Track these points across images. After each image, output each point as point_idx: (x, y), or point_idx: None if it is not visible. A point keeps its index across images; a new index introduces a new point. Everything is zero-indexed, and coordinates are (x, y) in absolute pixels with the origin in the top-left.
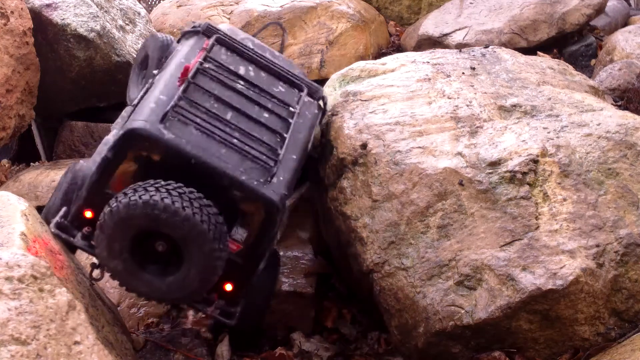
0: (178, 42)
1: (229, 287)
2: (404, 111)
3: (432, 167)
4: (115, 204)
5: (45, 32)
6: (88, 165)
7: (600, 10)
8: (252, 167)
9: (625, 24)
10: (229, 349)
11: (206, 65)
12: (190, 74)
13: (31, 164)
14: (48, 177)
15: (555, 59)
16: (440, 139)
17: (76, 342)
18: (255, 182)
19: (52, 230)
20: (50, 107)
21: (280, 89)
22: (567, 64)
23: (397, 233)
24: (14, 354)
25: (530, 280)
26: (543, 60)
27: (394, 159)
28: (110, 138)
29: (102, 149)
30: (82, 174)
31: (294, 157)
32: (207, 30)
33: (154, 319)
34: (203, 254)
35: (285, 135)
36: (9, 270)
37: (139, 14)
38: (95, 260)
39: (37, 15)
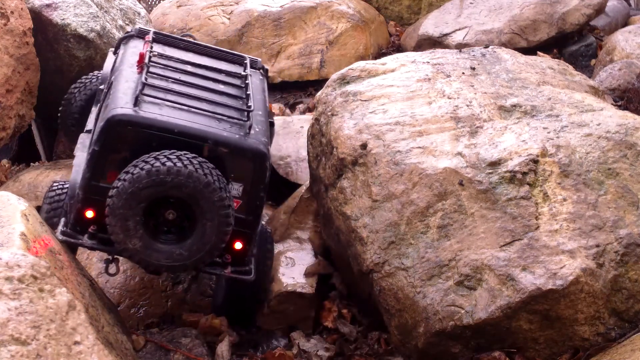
0: (115, 52)
1: (238, 245)
2: (404, 111)
3: (432, 167)
4: (120, 183)
5: (45, 32)
6: (73, 175)
7: (600, 10)
8: (230, 125)
9: (625, 24)
10: (229, 349)
11: (155, 53)
12: (146, 59)
13: (31, 164)
14: (48, 177)
15: (555, 59)
16: (440, 139)
17: (76, 342)
18: (237, 136)
19: (60, 238)
20: (50, 107)
21: (224, 65)
22: (567, 64)
23: (397, 233)
24: (14, 354)
25: (530, 280)
26: (543, 60)
27: (394, 159)
28: (77, 160)
29: (79, 159)
30: (67, 186)
31: (261, 113)
32: (140, 32)
33: (154, 319)
34: (214, 204)
35: (248, 93)
36: (9, 270)
37: (139, 14)
38: (107, 256)
39: (37, 15)
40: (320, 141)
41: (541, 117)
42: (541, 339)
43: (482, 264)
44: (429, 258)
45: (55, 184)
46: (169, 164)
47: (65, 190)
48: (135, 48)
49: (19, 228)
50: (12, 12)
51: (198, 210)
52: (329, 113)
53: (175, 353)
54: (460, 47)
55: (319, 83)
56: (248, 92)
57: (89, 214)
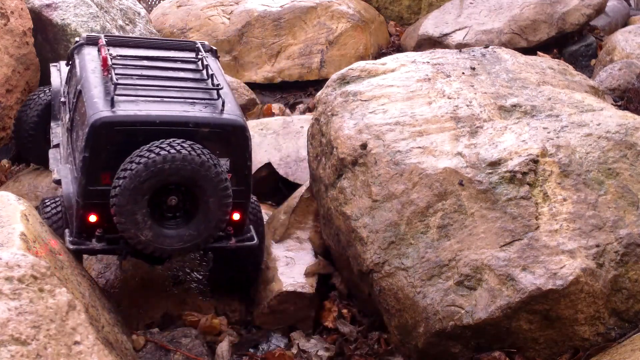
0: (67, 63)
1: (236, 216)
2: (404, 111)
3: (432, 167)
4: (121, 181)
5: (45, 32)
6: (64, 187)
7: (600, 10)
8: (204, 106)
9: (625, 24)
10: (229, 349)
11: (114, 55)
12: (109, 63)
13: (31, 164)
14: (48, 178)
15: (555, 59)
16: (440, 139)
17: (76, 342)
18: (214, 115)
19: (71, 248)
20: None
21: (177, 53)
22: (567, 64)
23: (397, 233)
24: (14, 354)
25: (530, 280)
26: (543, 60)
27: (394, 159)
28: (61, 173)
29: (64, 172)
30: (59, 200)
31: (226, 90)
32: (89, 39)
33: (154, 319)
34: (212, 180)
35: (211, 73)
36: (9, 270)
37: (139, 14)
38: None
39: (37, 15)
40: (320, 141)
41: (541, 117)
42: (541, 339)
43: (482, 264)
44: (429, 258)
45: (46, 201)
46: (163, 152)
47: (59, 204)
48: (90, 55)
49: (19, 228)
50: (12, 12)
51: (198, 190)
52: (329, 113)
53: (175, 353)
54: (460, 47)
55: (319, 83)
56: (211, 72)
57: (92, 218)
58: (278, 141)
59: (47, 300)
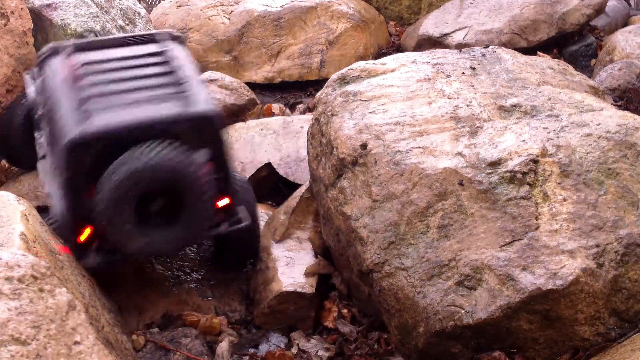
0: (39, 74)
1: (224, 202)
2: (404, 111)
3: (432, 167)
4: (104, 194)
5: (45, 32)
6: (54, 202)
7: (600, 10)
8: (172, 102)
9: (625, 24)
10: (229, 349)
11: (78, 66)
12: (75, 77)
13: None
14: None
15: (555, 59)
16: (440, 139)
17: (76, 342)
18: (184, 109)
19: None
20: None
21: (142, 47)
22: (567, 64)
23: (397, 233)
24: (14, 354)
25: (530, 280)
26: (543, 60)
27: (394, 159)
28: (51, 187)
29: (52, 187)
30: (52, 217)
31: (193, 79)
32: (53, 49)
33: (154, 319)
34: (191, 176)
35: (177, 64)
36: (9, 270)
37: (139, 14)
38: None
39: (37, 15)
40: (320, 141)
41: (541, 117)
42: (541, 339)
43: (482, 264)
44: (429, 258)
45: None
46: (143, 158)
47: (53, 220)
48: (58, 66)
49: (19, 228)
50: (12, 12)
51: (181, 188)
52: (329, 113)
53: (175, 353)
54: (460, 47)
55: (319, 83)
56: (176, 64)
57: (86, 232)
58: (278, 141)
59: (47, 300)
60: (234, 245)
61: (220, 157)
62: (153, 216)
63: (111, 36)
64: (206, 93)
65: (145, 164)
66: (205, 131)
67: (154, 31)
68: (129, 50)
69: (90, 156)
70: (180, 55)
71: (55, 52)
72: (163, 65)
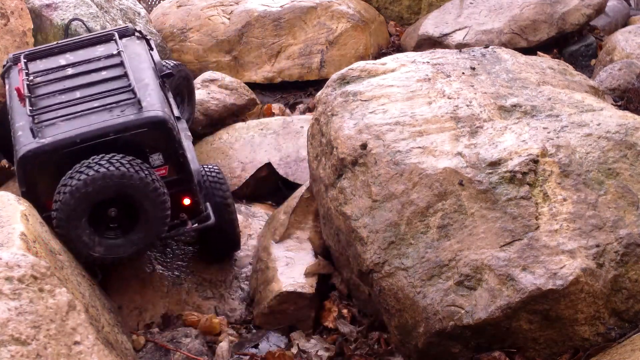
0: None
1: (186, 201)
2: (403, 111)
3: (432, 167)
4: (56, 213)
5: (45, 32)
6: None
7: (600, 10)
8: (121, 110)
9: (625, 24)
10: (229, 349)
11: (30, 78)
12: (24, 91)
13: None
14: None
15: (555, 59)
16: (440, 139)
17: (76, 342)
18: (133, 116)
19: None
20: None
21: (97, 49)
22: (567, 64)
23: (397, 233)
24: (14, 354)
25: (530, 280)
26: (543, 60)
27: (394, 159)
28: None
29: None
30: None
31: (146, 79)
32: (14, 59)
33: (154, 319)
34: (138, 187)
35: (124, 72)
36: (9, 270)
37: (139, 14)
38: None
39: (37, 16)
40: (320, 141)
41: (541, 117)
42: (541, 339)
43: (482, 264)
44: (429, 258)
45: None
46: (83, 177)
47: None
48: (14, 79)
49: (19, 228)
50: (12, 12)
51: (131, 198)
52: (329, 113)
53: (175, 353)
54: (460, 47)
55: (319, 83)
56: (130, 66)
57: None
58: (278, 141)
59: (47, 300)
60: (211, 239)
61: (176, 159)
62: (110, 223)
63: (64, 40)
64: (156, 95)
65: (86, 181)
66: (156, 136)
67: (111, 29)
68: (84, 53)
69: (43, 171)
70: (135, 54)
71: (15, 61)
72: (115, 67)
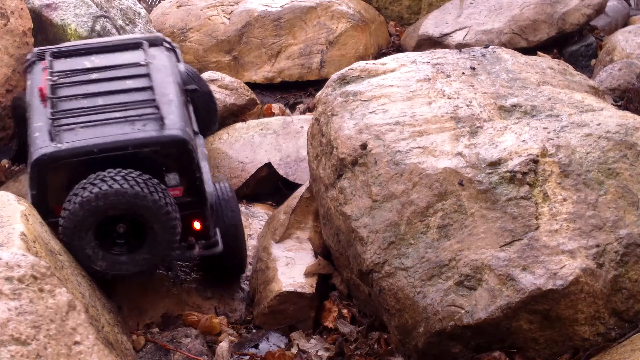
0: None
1: (197, 225)
2: (404, 111)
3: (432, 167)
4: (63, 221)
5: (45, 32)
6: None
7: (600, 10)
8: (143, 124)
9: (625, 24)
10: (229, 349)
11: (54, 78)
12: (47, 93)
13: None
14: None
15: (555, 59)
16: (440, 139)
17: (76, 342)
18: (154, 132)
19: None
20: None
21: (124, 56)
22: (567, 64)
23: (397, 233)
24: (14, 354)
25: (530, 280)
26: (543, 60)
27: (394, 159)
28: None
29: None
30: None
31: (171, 95)
32: (39, 54)
33: (154, 319)
34: (150, 209)
35: (150, 85)
36: (9, 270)
37: (139, 14)
38: None
39: (37, 16)
40: (320, 141)
41: (541, 117)
42: (541, 339)
43: (482, 264)
44: (429, 258)
45: None
46: (95, 190)
47: None
48: (38, 75)
49: (19, 228)
50: (12, 12)
51: (141, 218)
52: (329, 113)
53: (175, 353)
54: (460, 47)
55: (319, 83)
56: (157, 78)
57: None
58: (278, 141)
59: (47, 301)
60: (215, 263)
61: (192, 181)
62: (117, 238)
63: (94, 41)
64: (179, 114)
65: (97, 194)
66: (174, 155)
67: (142, 36)
68: (111, 58)
69: (56, 176)
70: (163, 65)
71: (40, 57)
72: (141, 78)
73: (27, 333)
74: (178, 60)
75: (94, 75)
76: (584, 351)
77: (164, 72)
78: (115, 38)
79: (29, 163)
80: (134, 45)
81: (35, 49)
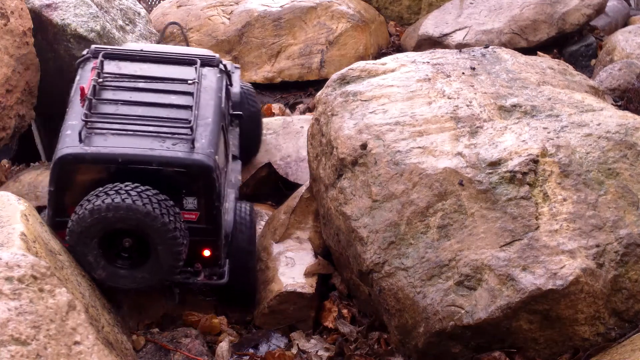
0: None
1: (207, 252)
2: (404, 111)
3: (432, 167)
4: (70, 224)
5: (45, 32)
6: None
7: (600, 10)
8: (173, 142)
9: (625, 24)
10: (229, 349)
11: (100, 80)
12: (88, 92)
13: (31, 164)
14: (48, 178)
15: (555, 59)
16: (440, 139)
17: (76, 342)
18: (181, 154)
19: None
20: (50, 108)
21: (175, 70)
22: (567, 64)
23: (397, 233)
24: (14, 354)
25: (530, 280)
26: (543, 60)
27: (394, 159)
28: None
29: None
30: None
31: (210, 119)
32: (95, 52)
33: (154, 319)
34: (158, 230)
35: (191, 104)
36: (9, 270)
37: (139, 14)
38: None
39: (37, 16)
40: (320, 141)
41: (541, 117)
42: (541, 339)
43: (482, 264)
44: (429, 258)
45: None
46: (107, 200)
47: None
48: (86, 73)
49: (19, 228)
50: (12, 12)
51: (147, 236)
52: (329, 113)
53: (175, 353)
54: (460, 47)
55: (319, 83)
56: (200, 98)
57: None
58: (278, 141)
59: (47, 301)
60: (224, 292)
61: (209, 209)
62: (120, 253)
63: (153, 48)
64: (211, 139)
65: (109, 205)
66: (196, 180)
67: (198, 54)
68: (162, 69)
69: (77, 177)
70: (210, 87)
71: (95, 55)
72: (185, 96)
73: (27, 333)
74: (231, 84)
75: (140, 84)
76: (584, 351)
77: (209, 94)
78: (175, 49)
79: (53, 159)
80: (189, 62)
81: (93, 46)
